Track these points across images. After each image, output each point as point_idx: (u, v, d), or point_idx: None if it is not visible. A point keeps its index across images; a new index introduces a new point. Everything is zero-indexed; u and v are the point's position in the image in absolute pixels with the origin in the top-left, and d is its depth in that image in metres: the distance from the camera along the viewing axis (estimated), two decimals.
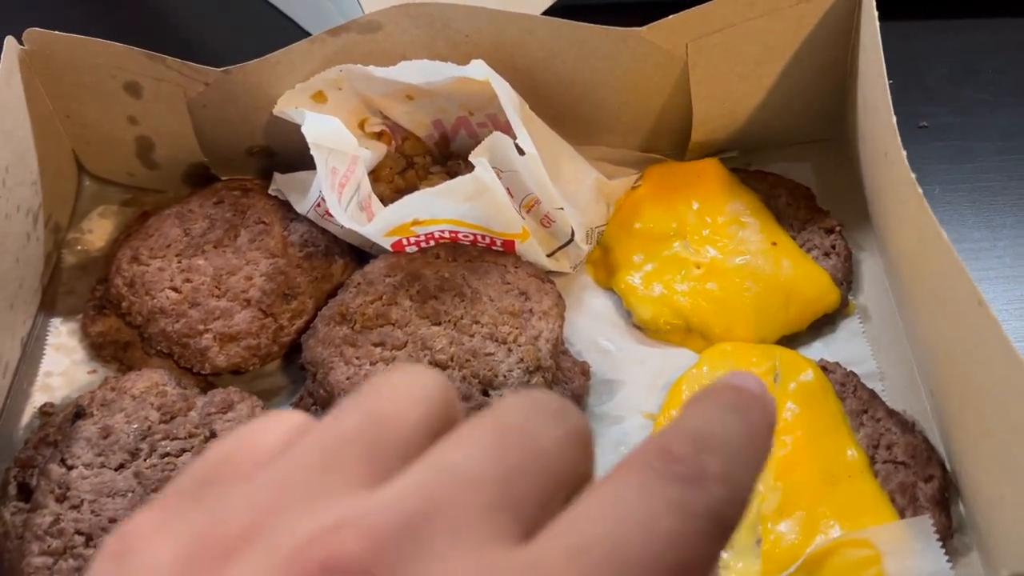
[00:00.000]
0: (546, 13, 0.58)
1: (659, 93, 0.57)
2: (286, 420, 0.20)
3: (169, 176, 0.61)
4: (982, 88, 0.66)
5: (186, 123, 0.57)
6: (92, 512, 0.44)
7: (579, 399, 0.51)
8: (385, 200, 0.55)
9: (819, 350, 0.53)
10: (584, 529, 0.16)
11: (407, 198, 0.52)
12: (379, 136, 0.58)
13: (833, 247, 0.55)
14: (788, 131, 0.60)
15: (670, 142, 0.61)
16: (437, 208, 0.52)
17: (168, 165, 0.60)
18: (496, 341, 0.49)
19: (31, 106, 0.55)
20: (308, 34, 0.57)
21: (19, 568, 0.43)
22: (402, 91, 0.56)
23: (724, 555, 0.44)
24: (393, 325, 0.50)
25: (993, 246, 0.58)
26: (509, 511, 0.17)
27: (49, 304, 0.57)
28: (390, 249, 0.54)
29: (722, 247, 0.55)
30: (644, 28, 0.53)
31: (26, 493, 0.46)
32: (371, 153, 0.56)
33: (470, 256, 0.54)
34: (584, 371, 0.51)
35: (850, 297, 0.55)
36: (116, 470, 0.45)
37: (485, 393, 0.48)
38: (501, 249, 0.55)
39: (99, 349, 0.54)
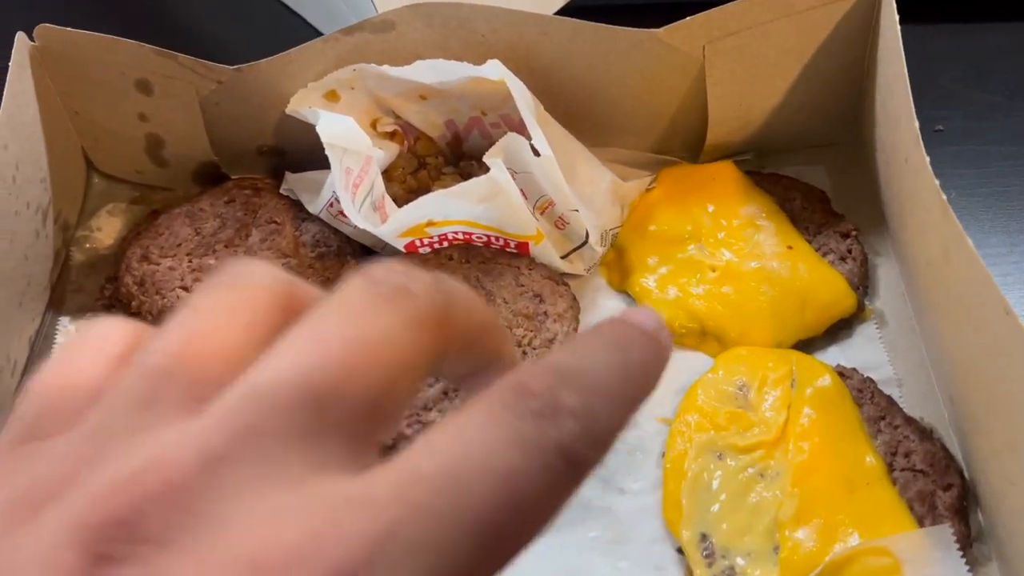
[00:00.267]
0: (559, 13, 0.57)
1: (674, 95, 0.57)
2: (108, 346, 0.18)
3: (178, 174, 0.60)
4: (997, 91, 0.66)
5: (197, 121, 0.56)
6: None
7: None
8: (397, 200, 0.54)
9: (835, 355, 0.52)
10: (419, 463, 0.15)
11: (422, 199, 0.51)
12: (391, 136, 0.58)
13: (849, 251, 0.55)
14: (803, 134, 0.60)
15: (684, 144, 0.60)
16: (451, 209, 0.51)
17: (178, 163, 0.60)
18: None
19: (41, 102, 0.54)
20: (319, 33, 0.57)
21: None
22: (415, 91, 0.55)
23: (741, 561, 0.44)
24: None
25: (1011, 251, 0.57)
26: (330, 434, 0.15)
27: (57, 302, 0.56)
28: (403, 250, 0.54)
29: (737, 250, 0.54)
30: (661, 30, 0.53)
31: None
32: (384, 153, 0.55)
33: (484, 258, 0.53)
34: None
35: (866, 302, 0.54)
36: None
37: None
38: (515, 251, 0.54)
39: None
